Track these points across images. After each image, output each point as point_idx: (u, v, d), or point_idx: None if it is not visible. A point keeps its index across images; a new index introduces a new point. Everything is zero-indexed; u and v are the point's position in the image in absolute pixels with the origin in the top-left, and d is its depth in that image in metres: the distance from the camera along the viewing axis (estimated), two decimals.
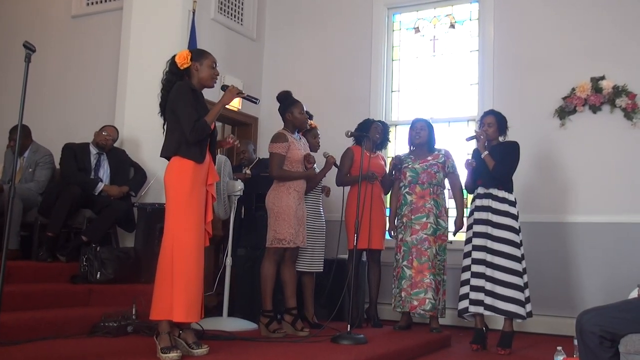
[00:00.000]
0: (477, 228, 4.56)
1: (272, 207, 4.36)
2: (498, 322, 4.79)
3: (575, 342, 2.90)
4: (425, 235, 4.91)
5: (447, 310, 5.06)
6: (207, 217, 3.55)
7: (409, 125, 5.26)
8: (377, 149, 5.40)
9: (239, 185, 4.84)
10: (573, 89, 5.63)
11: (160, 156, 3.56)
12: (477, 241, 4.53)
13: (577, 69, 5.64)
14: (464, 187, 4.99)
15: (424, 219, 4.94)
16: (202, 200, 3.50)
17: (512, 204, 4.56)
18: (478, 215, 4.58)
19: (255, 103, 3.99)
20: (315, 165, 4.65)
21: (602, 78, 5.53)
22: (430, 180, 5.00)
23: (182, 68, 3.54)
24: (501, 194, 4.56)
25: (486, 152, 4.60)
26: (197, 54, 3.63)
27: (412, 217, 4.97)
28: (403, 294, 4.91)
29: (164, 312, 3.34)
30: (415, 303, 4.84)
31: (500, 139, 4.74)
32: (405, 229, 5.00)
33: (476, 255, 4.51)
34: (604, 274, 5.35)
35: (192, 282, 3.37)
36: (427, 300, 4.81)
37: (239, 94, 3.65)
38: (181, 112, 3.43)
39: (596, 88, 5.53)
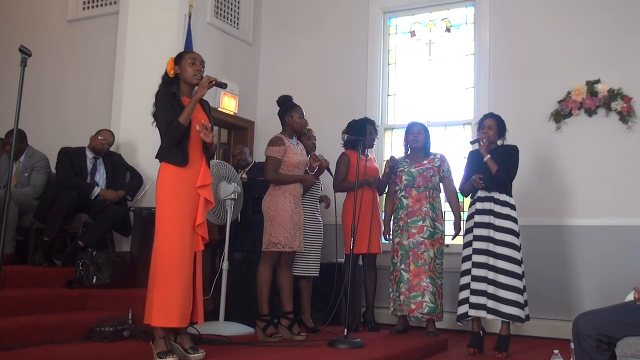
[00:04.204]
0: (478, 232, 4.56)
1: (267, 210, 4.36)
2: (494, 326, 4.79)
3: (572, 345, 2.90)
4: (422, 239, 4.91)
5: (444, 313, 5.05)
6: (197, 220, 3.47)
7: (405, 129, 5.26)
8: (367, 150, 5.40)
9: (232, 189, 4.82)
10: (568, 93, 5.65)
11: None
12: (478, 245, 4.53)
13: (573, 73, 5.66)
14: (458, 191, 4.98)
15: (420, 222, 4.94)
16: (188, 204, 3.44)
17: (513, 207, 4.57)
18: (479, 218, 4.58)
19: (223, 88, 3.83)
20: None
21: (598, 81, 5.55)
22: (426, 184, 5.01)
23: (171, 76, 3.55)
24: (502, 197, 4.57)
25: (488, 156, 4.60)
26: (178, 56, 3.62)
27: (409, 220, 4.97)
28: (402, 297, 4.90)
29: (147, 317, 3.33)
30: (413, 306, 4.84)
31: (499, 142, 4.75)
32: (402, 232, 5.00)
33: (477, 259, 4.50)
34: (600, 276, 5.36)
35: (173, 286, 3.31)
36: (425, 304, 4.81)
37: (210, 83, 3.51)
38: (157, 116, 3.46)
39: (592, 91, 5.55)
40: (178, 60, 3.57)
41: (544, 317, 5.34)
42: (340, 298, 4.61)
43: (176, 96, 3.51)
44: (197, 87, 3.53)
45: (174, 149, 3.43)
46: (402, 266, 4.94)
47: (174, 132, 3.40)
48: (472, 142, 4.87)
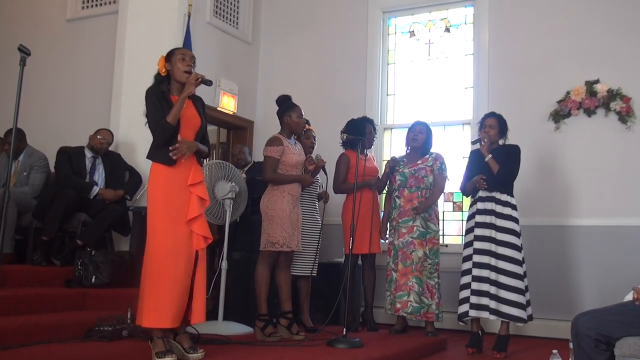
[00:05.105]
0: (480, 232, 4.55)
1: (266, 210, 4.36)
2: (494, 326, 4.79)
3: (571, 345, 2.90)
4: (411, 239, 4.90)
5: (443, 313, 5.05)
6: (188, 216, 3.40)
7: (408, 128, 5.24)
8: (367, 149, 5.39)
9: (228, 188, 4.81)
10: (568, 93, 5.65)
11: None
12: (479, 245, 4.52)
13: (572, 73, 5.66)
14: (459, 190, 4.97)
15: (410, 222, 4.93)
16: (180, 204, 3.41)
17: (514, 207, 4.57)
18: (481, 218, 4.57)
19: (208, 85, 3.72)
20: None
21: (597, 82, 5.55)
22: (418, 184, 4.99)
23: (163, 74, 3.52)
24: (504, 197, 4.56)
25: (490, 156, 4.60)
26: (168, 54, 3.58)
27: (400, 220, 4.97)
28: (391, 296, 4.91)
29: (138, 318, 3.31)
30: (399, 306, 4.84)
31: (500, 141, 4.75)
32: (395, 232, 5.01)
33: (479, 259, 4.50)
34: (599, 276, 5.35)
35: (164, 286, 3.28)
36: (409, 303, 4.80)
37: (197, 80, 3.45)
38: (148, 115, 3.43)
39: (591, 91, 5.55)
40: (169, 57, 3.54)
41: (543, 317, 5.33)
42: (339, 298, 4.61)
43: (165, 94, 3.48)
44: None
45: (162, 148, 3.40)
46: (392, 266, 4.95)
47: (161, 131, 3.37)
48: (473, 142, 4.87)
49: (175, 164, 3.41)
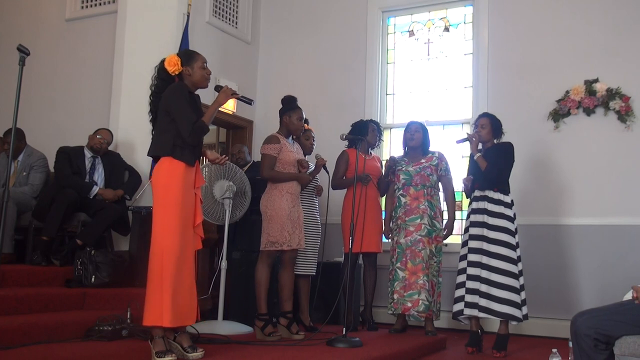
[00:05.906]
0: (473, 230, 4.58)
1: (265, 210, 4.36)
2: (493, 325, 4.80)
3: (570, 344, 2.90)
4: (420, 237, 4.91)
5: (442, 312, 5.06)
6: (196, 220, 3.49)
7: (404, 128, 5.27)
8: (371, 149, 5.41)
9: (225, 187, 4.80)
10: (567, 92, 5.65)
11: (148, 155, 3.54)
12: (473, 244, 4.54)
13: (571, 72, 5.66)
14: (463, 192, 4.98)
15: (418, 220, 4.94)
16: (191, 203, 3.46)
17: (508, 205, 4.57)
18: (474, 217, 4.60)
19: (250, 104, 3.97)
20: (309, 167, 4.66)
21: (596, 81, 5.55)
22: (423, 182, 5.01)
23: (173, 74, 3.52)
24: (496, 195, 4.57)
25: (479, 154, 4.62)
26: (187, 57, 3.58)
27: (406, 218, 4.97)
28: (396, 296, 4.90)
29: (155, 318, 3.30)
30: (409, 305, 4.83)
31: (496, 141, 4.76)
32: (400, 231, 5.00)
33: (472, 257, 4.52)
34: (598, 276, 5.36)
35: (182, 286, 3.33)
36: (421, 302, 4.81)
37: (233, 94, 3.60)
38: (178, 113, 3.40)
39: (590, 91, 5.55)
40: (188, 60, 3.54)
41: (543, 316, 5.34)
42: (339, 297, 4.61)
43: (192, 95, 3.54)
44: (218, 94, 3.58)
45: (187, 147, 3.43)
46: (398, 264, 4.94)
47: (199, 132, 3.43)
48: (458, 142, 4.91)
49: (195, 163, 3.48)
